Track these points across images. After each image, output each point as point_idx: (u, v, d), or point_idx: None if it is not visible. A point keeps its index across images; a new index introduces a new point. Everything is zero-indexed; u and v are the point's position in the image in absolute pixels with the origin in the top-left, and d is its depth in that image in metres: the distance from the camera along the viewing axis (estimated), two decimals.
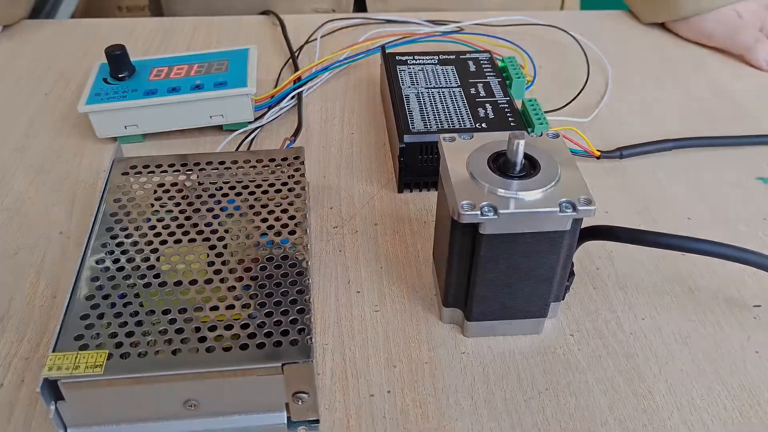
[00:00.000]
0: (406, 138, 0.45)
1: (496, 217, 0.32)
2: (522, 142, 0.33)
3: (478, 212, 0.32)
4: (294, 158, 0.41)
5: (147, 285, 0.33)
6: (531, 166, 0.34)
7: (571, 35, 0.63)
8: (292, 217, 0.37)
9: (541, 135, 0.37)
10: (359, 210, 0.45)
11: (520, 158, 0.33)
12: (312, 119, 0.53)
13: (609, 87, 0.57)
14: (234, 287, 0.33)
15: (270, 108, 0.53)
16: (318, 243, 0.42)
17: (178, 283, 0.34)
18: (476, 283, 0.35)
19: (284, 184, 0.40)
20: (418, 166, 0.46)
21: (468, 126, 0.46)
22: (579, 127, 0.51)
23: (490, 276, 0.34)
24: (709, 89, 0.58)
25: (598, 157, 0.49)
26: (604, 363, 0.36)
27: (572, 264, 0.37)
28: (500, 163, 0.34)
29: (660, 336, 0.38)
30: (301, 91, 0.55)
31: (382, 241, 0.43)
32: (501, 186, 0.33)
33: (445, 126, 0.46)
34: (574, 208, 0.32)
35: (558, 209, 0.32)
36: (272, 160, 0.41)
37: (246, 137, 0.50)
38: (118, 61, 0.50)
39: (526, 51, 0.57)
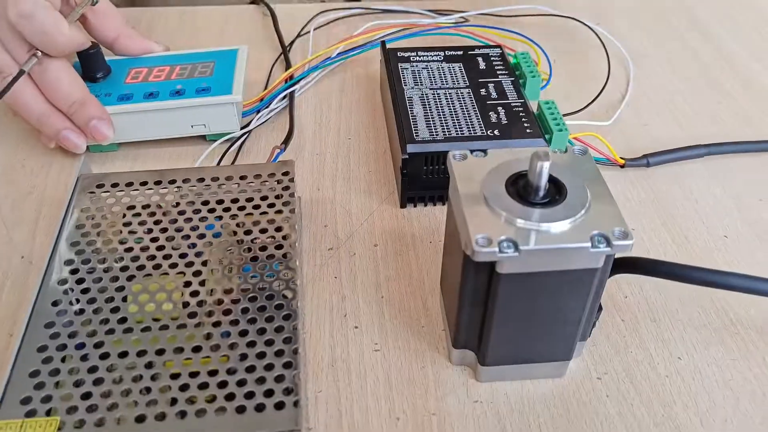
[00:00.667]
0: (410, 148, 0.40)
1: (516, 254, 0.27)
2: (547, 165, 0.28)
3: (496, 249, 0.27)
4: (283, 174, 0.37)
5: (110, 331, 0.29)
6: (556, 191, 0.29)
7: (587, 26, 0.58)
8: (279, 246, 0.33)
9: (566, 151, 0.32)
10: (357, 228, 0.40)
11: (544, 182, 0.29)
12: (305, 123, 0.48)
13: (630, 84, 0.52)
14: (211, 334, 0.29)
15: (259, 111, 0.48)
16: (311, 268, 0.38)
17: (147, 329, 0.29)
18: (492, 327, 0.30)
19: (271, 205, 0.35)
20: (422, 179, 0.41)
21: (479, 133, 0.41)
22: (600, 131, 0.47)
23: (507, 319, 0.30)
24: (742, 86, 0.53)
25: (622, 166, 0.44)
26: (637, 413, 0.31)
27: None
28: (520, 187, 0.29)
29: (700, 378, 0.33)
30: (293, 91, 0.50)
31: (383, 266, 0.38)
32: (521, 215, 0.28)
33: (453, 134, 0.41)
34: (608, 243, 0.27)
35: (590, 244, 0.27)
36: (258, 176, 0.36)
37: (232, 145, 0.45)
38: (90, 62, 0.45)
39: (539, 45, 0.52)
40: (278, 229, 0.33)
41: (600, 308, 0.33)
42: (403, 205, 0.42)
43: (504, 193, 0.29)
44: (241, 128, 0.46)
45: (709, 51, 0.57)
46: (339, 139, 0.47)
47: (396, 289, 0.37)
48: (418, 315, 0.36)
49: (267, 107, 0.48)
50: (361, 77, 0.53)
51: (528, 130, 0.41)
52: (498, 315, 0.30)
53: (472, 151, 0.32)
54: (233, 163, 0.44)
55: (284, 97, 0.49)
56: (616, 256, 0.30)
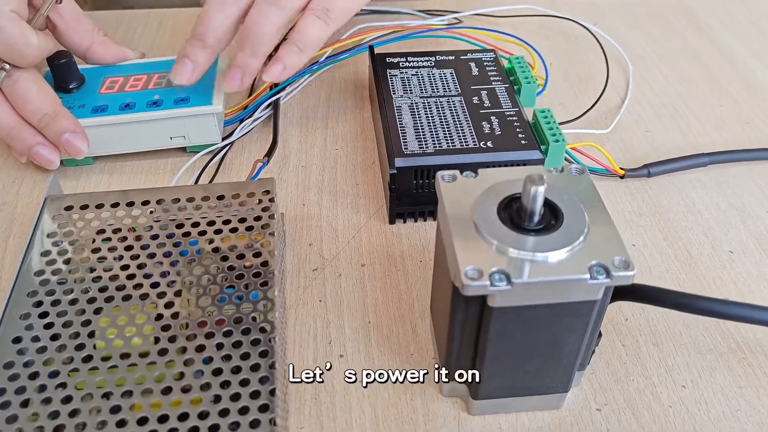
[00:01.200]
0: (398, 162, 0.38)
1: (509, 287, 0.25)
2: (542, 190, 0.26)
3: (487, 282, 0.25)
4: (263, 193, 0.34)
5: (74, 371, 0.27)
6: (552, 215, 0.27)
7: (584, 27, 0.55)
8: (257, 275, 0.31)
9: (562, 170, 0.30)
10: (344, 247, 0.38)
11: (539, 208, 0.27)
12: (290, 133, 0.46)
13: (630, 87, 0.50)
14: (183, 374, 0.27)
15: (243, 120, 0.46)
16: (294, 291, 0.36)
17: (113, 368, 0.27)
18: (484, 361, 0.28)
19: (249, 228, 0.33)
20: (412, 194, 0.39)
21: (471, 145, 0.39)
22: (598, 139, 0.45)
23: (500, 353, 0.28)
24: (745, 89, 0.51)
25: (621, 176, 0.42)
26: None
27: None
28: (513, 212, 0.27)
29: (705, 409, 0.31)
30: (278, 99, 0.47)
31: (371, 288, 0.36)
32: (514, 244, 0.26)
33: (444, 146, 0.39)
34: (608, 274, 0.25)
35: (588, 276, 0.25)
36: (236, 196, 0.34)
37: (213, 158, 0.43)
38: (62, 72, 0.43)
39: (535, 48, 0.49)
40: (257, 255, 0.31)
41: (599, 335, 0.31)
42: (391, 221, 0.40)
43: (496, 219, 0.27)
44: (224, 139, 0.44)
45: (709, 50, 0.55)
46: (326, 149, 0.45)
47: (384, 313, 0.35)
48: (407, 341, 0.34)
49: (250, 116, 0.46)
50: (349, 83, 0.51)
51: (523, 141, 0.39)
52: (490, 349, 0.28)
53: (462, 171, 0.30)
54: (214, 176, 0.42)
55: (269, 106, 0.47)
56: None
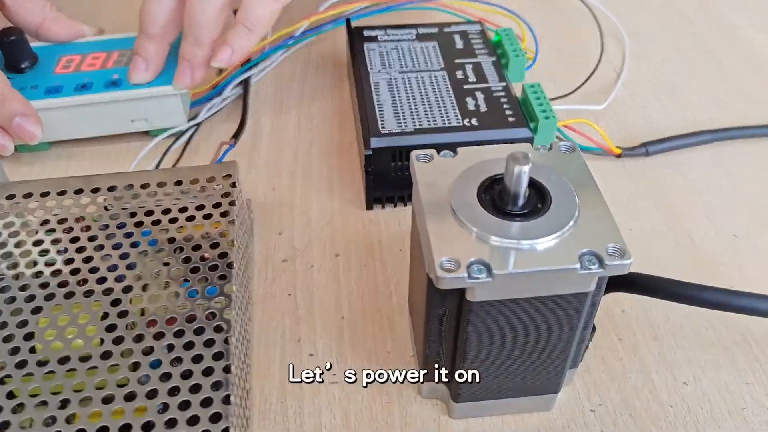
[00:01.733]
0: (374, 142, 0.35)
1: (489, 279, 0.22)
2: (526, 169, 0.23)
3: (465, 274, 0.22)
4: (224, 178, 0.31)
5: (7, 377, 0.24)
6: (538, 198, 0.24)
7: None
8: (214, 267, 0.28)
9: (551, 148, 0.27)
10: (317, 235, 0.35)
11: (523, 190, 0.24)
12: (262, 113, 0.43)
13: (626, 61, 0.47)
14: (127, 379, 0.24)
15: (212, 100, 0.43)
16: (261, 284, 0.33)
17: (50, 374, 0.24)
18: (464, 360, 0.25)
19: (208, 216, 0.30)
20: (390, 177, 0.36)
21: (454, 123, 0.36)
22: (593, 116, 0.42)
23: (482, 351, 0.25)
24: (748, 64, 0.48)
25: (618, 156, 0.39)
26: None
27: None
28: (495, 194, 0.24)
29: (709, 407, 0.28)
30: (249, 77, 0.44)
31: (345, 280, 0.33)
32: (496, 231, 0.23)
33: (425, 124, 0.36)
34: (601, 263, 0.22)
35: (579, 266, 0.22)
36: (195, 181, 0.31)
37: (175, 141, 0.40)
38: (12, 50, 0.40)
39: (524, 19, 0.46)
40: (214, 245, 0.28)
41: (593, 329, 0.28)
42: (369, 207, 0.37)
43: (475, 203, 0.24)
44: (190, 120, 0.41)
45: (709, 24, 0.52)
46: (300, 130, 0.42)
47: (359, 308, 0.32)
48: (383, 338, 0.31)
49: (219, 95, 0.43)
50: (327, 59, 0.48)
51: (510, 119, 0.36)
52: (470, 348, 0.25)
53: (439, 150, 0.27)
54: (177, 161, 0.39)
55: (240, 84, 0.44)
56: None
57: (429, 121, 0.36)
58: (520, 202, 0.24)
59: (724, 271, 0.34)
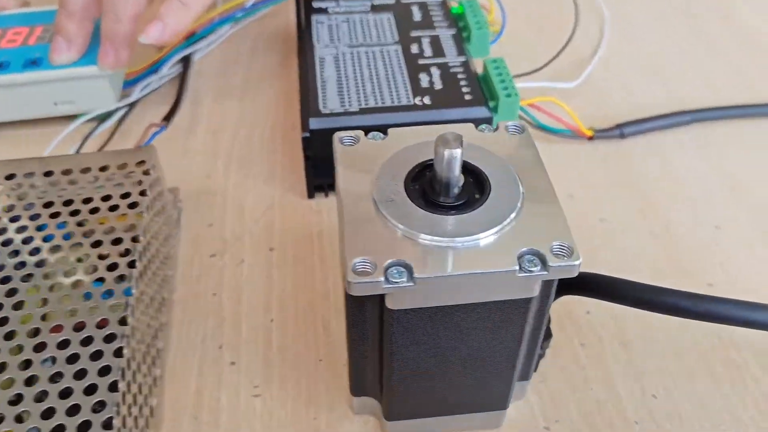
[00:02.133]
0: (313, 123, 0.31)
1: (410, 284, 0.19)
2: (458, 154, 0.19)
3: (381, 278, 0.18)
4: (137, 164, 0.28)
5: None
6: (476, 187, 0.21)
7: None
8: (112, 267, 0.24)
9: (497, 129, 0.23)
10: (251, 227, 0.32)
11: (455, 178, 0.20)
12: (203, 93, 0.39)
13: (605, 35, 0.43)
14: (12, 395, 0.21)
15: (148, 78, 0.39)
16: (185, 283, 0.29)
17: None
18: (392, 374, 0.22)
19: (114, 208, 0.26)
20: (333, 162, 0.32)
21: (404, 102, 0.32)
22: (563, 95, 0.38)
23: (411, 365, 0.22)
24: (737, 39, 0.44)
25: (590, 138, 0.36)
26: None
27: (549, 316, 0.25)
28: (426, 184, 0.21)
29: (679, 424, 0.25)
30: (192, 54, 0.41)
31: (279, 277, 0.30)
32: (422, 226, 0.19)
33: (371, 103, 0.32)
34: (544, 265, 0.19)
35: (517, 267, 0.19)
36: (104, 168, 0.28)
37: (99, 124, 0.36)
38: None
39: None
40: (117, 242, 0.25)
41: (548, 335, 0.25)
42: (310, 195, 0.33)
43: (402, 194, 0.20)
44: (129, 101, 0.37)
45: None
46: (243, 111, 0.38)
47: (291, 309, 0.29)
48: (316, 344, 0.27)
49: (157, 74, 0.39)
50: (279, 35, 0.44)
51: (467, 97, 0.32)
52: (397, 361, 0.21)
53: (367, 132, 0.23)
54: (104, 146, 0.35)
55: (181, 61, 0.40)
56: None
57: (376, 99, 0.32)
58: (453, 192, 0.20)
59: (704, 266, 0.30)
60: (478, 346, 0.21)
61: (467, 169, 0.21)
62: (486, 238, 0.19)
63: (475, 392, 0.23)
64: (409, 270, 0.19)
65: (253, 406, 0.25)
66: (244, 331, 0.28)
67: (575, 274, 0.19)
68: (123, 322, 0.22)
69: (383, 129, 0.23)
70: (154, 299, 0.26)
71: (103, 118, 0.36)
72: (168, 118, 0.36)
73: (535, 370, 0.26)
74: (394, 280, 0.18)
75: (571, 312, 0.28)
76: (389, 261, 0.19)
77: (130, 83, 0.38)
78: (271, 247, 0.31)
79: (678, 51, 0.43)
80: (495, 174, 0.21)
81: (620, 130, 0.36)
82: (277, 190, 0.33)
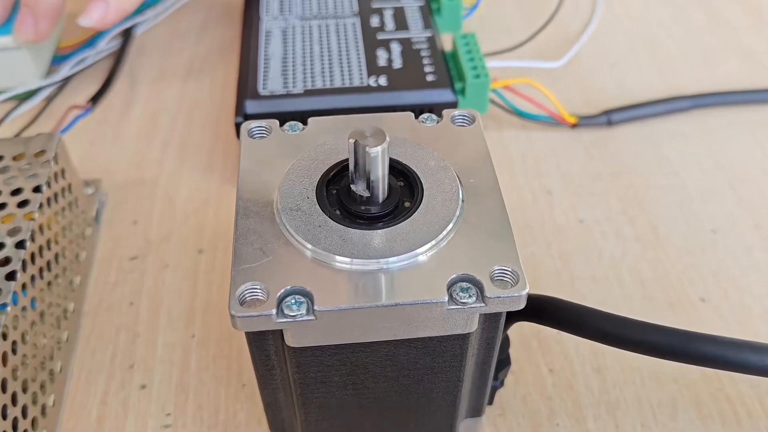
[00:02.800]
0: (250, 106, 0.27)
1: (310, 318, 0.15)
2: (379, 153, 0.15)
3: (272, 311, 0.15)
4: (36, 155, 0.24)
5: None
6: (408, 193, 0.17)
7: None
8: None
9: (440, 121, 0.19)
10: (180, 225, 0.28)
11: (380, 183, 0.16)
12: (142, 71, 0.35)
13: (597, 10, 0.39)
14: None
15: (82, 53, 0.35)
16: (98, 290, 0.26)
17: None
18: (306, 416, 0.18)
19: (1, 206, 0.22)
20: None
21: (356, 83, 0.28)
22: (546, 76, 0.34)
23: (326, 406, 0.18)
24: (746, 12, 0.40)
25: (573, 126, 0.32)
26: None
27: (507, 340, 0.21)
28: (343, 189, 0.17)
29: None
30: (133, 27, 0.36)
31: (205, 284, 0.26)
32: (332, 244, 0.16)
33: (318, 84, 0.28)
34: (481, 295, 0.15)
35: (445, 299, 0.15)
36: None
37: (18, 105, 0.32)
38: None
39: None
40: None
41: (507, 362, 0.21)
42: None
43: (312, 202, 0.17)
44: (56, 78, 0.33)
45: None
46: (185, 91, 0.34)
47: (216, 322, 0.25)
48: (240, 366, 0.24)
49: (93, 48, 0.35)
50: (234, 7, 0.40)
51: (429, 78, 0.28)
52: (307, 402, 0.18)
53: (282, 123, 0.19)
54: (25, 129, 0.31)
55: (121, 34, 0.36)
56: None
57: (325, 80, 0.28)
58: (375, 199, 0.16)
59: (694, 278, 0.26)
60: (406, 386, 0.17)
61: (396, 170, 0.17)
62: (410, 260, 0.15)
63: (414, 430, 0.19)
64: (310, 300, 0.15)
65: None
66: (160, 348, 0.24)
67: (521, 306, 0.15)
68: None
69: (335, 114, 0.19)
70: (51, 313, 0.23)
71: (25, 96, 0.32)
72: (95, 99, 0.32)
73: (490, 403, 0.22)
74: (290, 314, 0.15)
75: (539, 332, 0.24)
76: (286, 288, 0.15)
77: (62, 59, 0.34)
78: (201, 248, 0.27)
79: (678, 28, 0.38)
80: (431, 177, 0.17)
81: (608, 117, 0.32)
82: (215, 183, 0.30)
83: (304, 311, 0.15)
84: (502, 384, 0.22)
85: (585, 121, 0.32)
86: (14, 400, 0.19)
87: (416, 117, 0.19)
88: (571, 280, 0.26)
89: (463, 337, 0.16)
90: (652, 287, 0.26)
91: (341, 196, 0.17)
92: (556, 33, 0.37)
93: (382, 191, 0.16)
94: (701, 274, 0.26)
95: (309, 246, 0.16)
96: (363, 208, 0.16)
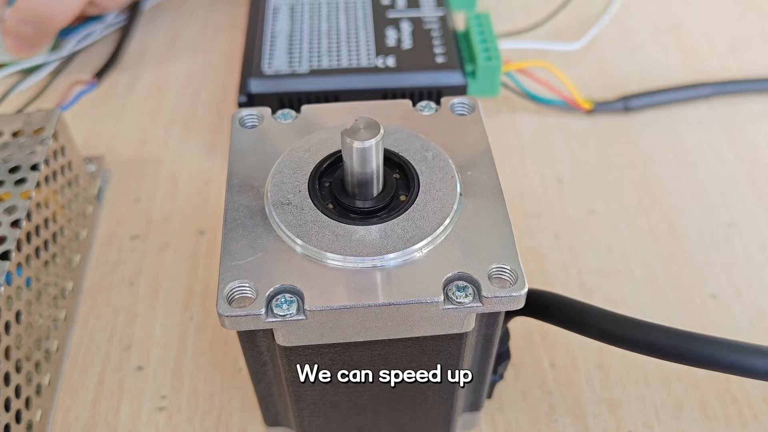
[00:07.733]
0: (254, 85, 0.26)
1: (301, 317, 0.14)
2: (371, 146, 0.15)
3: (261, 310, 0.14)
4: (34, 132, 0.24)
5: None
6: (403, 187, 0.16)
7: None
8: None
9: (439, 109, 0.18)
10: (182, 205, 0.28)
11: (372, 177, 0.15)
12: (151, 46, 0.35)
13: None
14: None
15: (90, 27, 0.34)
16: (98, 270, 0.25)
17: None
18: (300, 412, 0.18)
19: None
20: None
21: (363, 64, 0.27)
22: (564, 59, 0.32)
23: (319, 402, 0.17)
24: None
25: (588, 111, 0.31)
26: None
27: (507, 333, 0.21)
28: (336, 183, 0.16)
29: None
30: (140, 1, 0.36)
31: (205, 267, 0.26)
32: (322, 241, 0.15)
33: (324, 64, 0.27)
34: (477, 294, 0.14)
35: (441, 298, 0.14)
36: None
37: (22, 79, 0.32)
38: None
39: None
40: None
41: (507, 356, 0.21)
42: None
43: (303, 195, 0.16)
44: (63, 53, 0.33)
45: None
46: (193, 69, 0.34)
47: (213, 306, 0.24)
48: (236, 351, 0.23)
49: (102, 22, 0.35)
50: None
51: (439, 59, 0.27)
52: (301, 401, 0.17)
53: (274, 111, 0.18)
54: (29, 104, 0.31)
55: (130, 8, 0.36)
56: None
57: (331, 59, 0.27)
58: (369, 193, 0.16)
59: (708, 273, 0.25)
60: (400, 385, 0.17)
61: (392, 162, 0.17)
62: (405, 257, 0.15)
63: (410, 427, 0.19)
64: (300, 299, 0.14)
65: (156, 422, 0.22)
66: (158, 330, 0.24)
67: (520, 306, 0.15)
68: None
69: (340, 95, 0.19)
70: (48, 292, 0.22)
71: (30, 71, 0.32)
72: (101, 74, 0.31)
73: (489, 396, 0.21)
74: (279, 313, 0.14)
75: (542, 325, 0.24)
76: (276, 287, 0.14)
77: (68, 32, 0.34)
78: (202, 229, 0.27)
79: (704, 12, 0.37)
80: (427, 169, 0.16)
81: (624, 103, 0.31)
82: (218, 163, 0.29)
83: (294, 311, 0.14)
84: (501, 377, 0.21)
85: (601, 107, 0.31)
86: (6, 379, 0.19)
87: (422, 100, 0.18)
88: (579, 274, 0.25)
89: (460, 337, 0.15)
90: (663, 283, 0.25)
91: (334, 189, 0.16)
92: (577, 13, 0.36)
93: (376, 185, 0.16)
94: (714, 269, 0.25)
95: (300, 242, 0.15)
96: (357, 202, 0.16)
